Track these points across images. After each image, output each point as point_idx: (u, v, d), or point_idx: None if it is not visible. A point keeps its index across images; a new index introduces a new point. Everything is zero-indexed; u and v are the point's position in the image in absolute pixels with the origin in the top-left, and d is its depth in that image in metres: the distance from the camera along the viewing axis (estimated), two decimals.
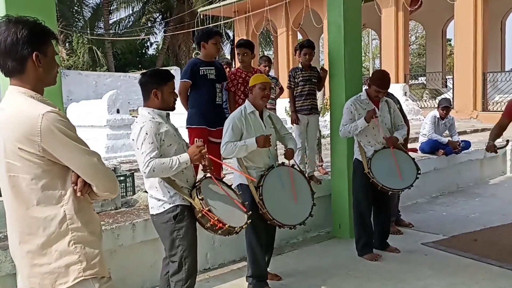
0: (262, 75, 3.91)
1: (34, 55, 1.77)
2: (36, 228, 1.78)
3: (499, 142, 4.46)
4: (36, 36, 1.78)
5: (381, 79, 4.31)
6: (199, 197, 2.88)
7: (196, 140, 4.59)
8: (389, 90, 4.56)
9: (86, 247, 1.82)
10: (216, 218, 2.85)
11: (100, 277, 1.86)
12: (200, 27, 19.63)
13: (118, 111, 8.88)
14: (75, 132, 1.79)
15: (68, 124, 1.77)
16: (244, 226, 3.06)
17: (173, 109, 3.04)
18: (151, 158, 2.80)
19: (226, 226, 2.88)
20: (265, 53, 29.45)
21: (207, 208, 2.85)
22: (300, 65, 5.42)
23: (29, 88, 1.80)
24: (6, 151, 1.75)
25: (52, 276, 1.79)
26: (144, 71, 3.36)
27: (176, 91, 3.18)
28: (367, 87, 4.40)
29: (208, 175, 3.13)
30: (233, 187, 3.47)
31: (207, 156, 2.98)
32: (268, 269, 3.91)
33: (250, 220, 3.12)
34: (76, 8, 32.02)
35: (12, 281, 3.09)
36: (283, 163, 3.81)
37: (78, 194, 1.80)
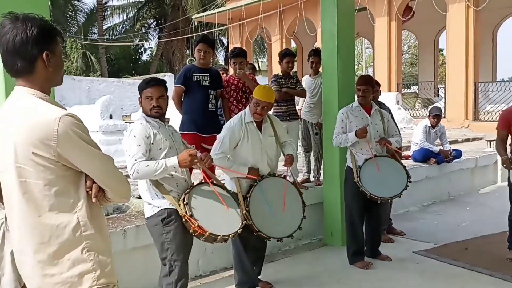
0: (265, 91, 3.65)
1: (44, 54, 1.68)
2: (48, 236, 1.68)
3: None
4: (45, 35, 1.69)
5: (358, 79, 4.49)
6: (184, 202, 2.90)
7: (189, 147, 4.58)
8: (381, 99, 4.60)
9: (100, 255, 1.74)
10: (196, 224, 2.85)
11: (112, 286, 1.79)
12: (194, 34, 19.70)
13: (111, 117, 8.84)
14: (89, 135, 1.72)
15: (84, 127, 1.69)
16: (231, 236, 3.04)
17: (153, 116, 3.01)
18: (135, 160, 2.83)
19: (207, 233, 2.87)
20: (259, 60, 29.55)
21: (189, 214, 2.86)
22: (280, 73, 5.54)
23: (37, 89, 1.71)
24: (17, 155, 1.65)
25: (65, 286, 1.70)
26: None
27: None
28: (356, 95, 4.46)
29: (204, 180, 3.12)
30: None
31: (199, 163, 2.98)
32: (259, 277, 3.91)
33: (240, 230, 3.10)
34: (70, 13, 32.02)
35: None
36: (274, 174, 3.77)
37: (94, 200, 1.72)
